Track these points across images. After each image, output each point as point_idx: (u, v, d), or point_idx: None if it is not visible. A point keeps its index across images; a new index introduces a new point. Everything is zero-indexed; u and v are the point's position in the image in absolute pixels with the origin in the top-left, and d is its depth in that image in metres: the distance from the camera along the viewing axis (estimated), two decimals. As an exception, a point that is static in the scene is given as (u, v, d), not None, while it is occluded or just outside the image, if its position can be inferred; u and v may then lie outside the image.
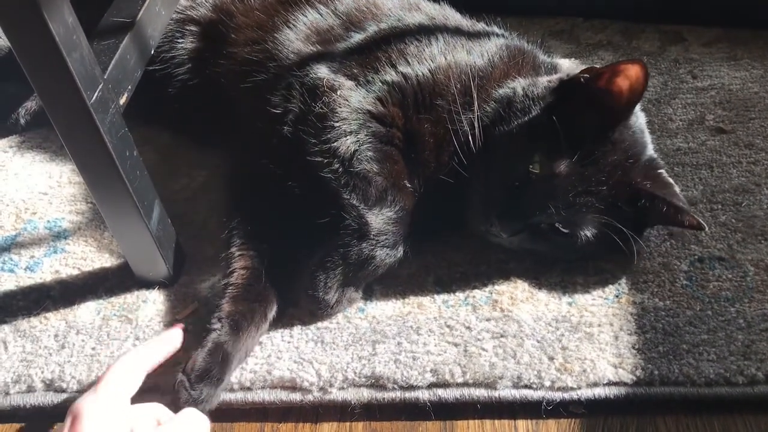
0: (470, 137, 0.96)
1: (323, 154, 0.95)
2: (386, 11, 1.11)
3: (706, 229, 0.92)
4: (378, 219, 0.93)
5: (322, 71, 1.01)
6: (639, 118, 1.00)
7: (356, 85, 1.00)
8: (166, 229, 1.02)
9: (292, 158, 0.99)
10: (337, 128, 0.95)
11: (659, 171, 0.98)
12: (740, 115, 1.22)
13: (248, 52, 1.11)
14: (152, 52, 1.02)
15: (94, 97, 0.84)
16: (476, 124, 0.96)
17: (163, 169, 1.23)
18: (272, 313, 0.96)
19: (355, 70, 1.02)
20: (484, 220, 0.95)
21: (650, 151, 0.99)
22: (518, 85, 1.00)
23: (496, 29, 1.13)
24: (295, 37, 1.09)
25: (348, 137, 0.95)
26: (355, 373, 0.91)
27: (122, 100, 0.92)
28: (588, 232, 0.93)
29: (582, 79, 0.95)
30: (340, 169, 0.95)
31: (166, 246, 1.02)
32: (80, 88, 0.81)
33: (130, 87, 0.95)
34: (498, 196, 0.94)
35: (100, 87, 0.85)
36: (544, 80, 1.01)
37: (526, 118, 0.95)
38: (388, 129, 0.98)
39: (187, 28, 1.19)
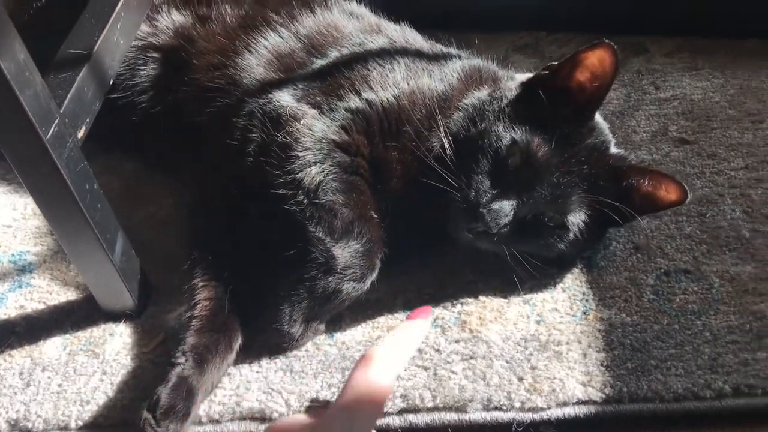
0: (441, 150, 0.95)
1: (287, 185, 0.94)
2: (347, 34, 1.11)
3: (689, 196, 0.91)
4: (345, 252, 0.92)
5: (284, 99, 1.00)
6: (599, 118, 1.01)
7: (320, 114, 0.99)
8: (130, 260, 1.01)
9: (255, 189, 0.98)
10: (301, 158, 0.94)
11: (630, 159, 1.00)
12: (702, 125, 1.23)
13: (210, 78, 1.10)
14: (111, 82, 1.01)
15: (50, 133, 0.83)
16: (445, 140, 0.96)
17: (127, 198, 1.22)
18: (237, 343, 0.95)
19: (318, 98, 1.01)
20: (471, 219, 0.92)
21: (615, 149, 1.00)
22: (483, 93, 1.01)
23: (453, 50, 1.14)
24: (256, 62, 1.08)
25: (312, 167, 0.94)
26: (324, 401, 0.90)
27: (80, 134, 0.91)
28: (577, 218, 0.93)
29: (541, 78, 0.96)
30: (305, 201, 0.93)
31: (131, 278, 1.01)
32: (35, 124, 0.80)
33: (88, 120, 0.94)
34: (481, 192, 0.92)
35: (56, 122, 0.84)
36: (507, 84, 1.02)
37: (497, 116, 0.95)
38: (353, 158, 0.97)
39: (149, 54, 1.18)
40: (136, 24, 1.10)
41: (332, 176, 0.94)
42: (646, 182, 0.92)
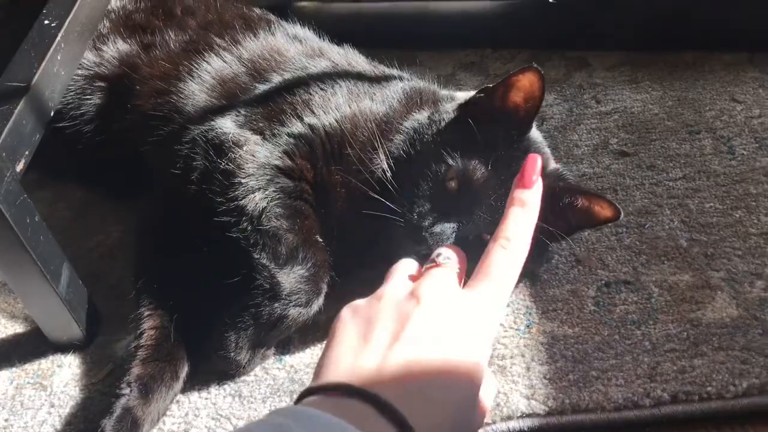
0: (383, 174, 0.97)
1: (231, 212, 0.94)
2: (290, 58, 1.12)
3: (622, 215, 0.94)
4: (290, 278, 0.92)
5: (227, 126, 1.01)
6: (538, 133, 1.04)
7: (262, 139, 1.00)
8: (77, 291, 1.00)
9: (199, 216, 0.98)
10: (245, 185, 0.95)
11: (567, 177, 1.01)
12: (642, 137, 1.26)
13: (153, 105, 1.10)
14: (52, 114, 1.01)
15: (-15, 169, 0.83)
16: (385, 166, 0.97)
17: (76, 226, 1.22)
18: (184, 372, 0.95)
19: (261, 124, 1.01)
20: (415, 242, 0.93)
21: (553, 163, 1.02)
22: (422, 115, 1.02)
23: (395, 72, 1.16)
24: (199, 88, 1.09)
25: (256, 193, 0.94)
26: (273, 425, 0.90)
27: (19, 167, 0.91)
28: None
29: (478, 100, 0.98)
30: (249, 228, 0.93)
31: (78, 308, 1.00)
32: (-30, 160, 0.80)
33: (27, 152, 0.93)
34: (423, 215, 0.93)
35: (-8, 157, 0.84)
36: (447, 106, 1.03)
37: (435, 139, 0.97)
38: (297, 183, 0.98)
39: (95, 84, 1.18)
40: (78, 54, 1.10)
41: (276, 202, 0.95)
42: (580, 201, 0.95)
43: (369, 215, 0.95)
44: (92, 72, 1.19)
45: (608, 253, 1.07)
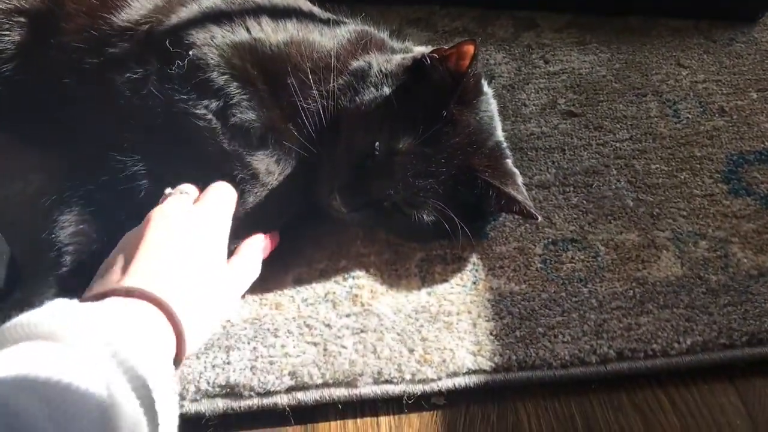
0: (322, 112, 0.93)
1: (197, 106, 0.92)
2: None
3: (539, 219, 0.94)
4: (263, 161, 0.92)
5: (176, 33, 0.96)
6: (490, 104, 1.00)
7: (211, 39, 0.95)
8: (-7, 241, 0.93)
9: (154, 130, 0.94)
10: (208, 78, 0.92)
11: (504, 159, 0.98)
12: (590, 98, 1.25)
13: (80, 40, 1.03)
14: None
15: None
16: (329, 102, 0.93)
17: (-7, 174, 1.13)
18: None
19: (214, 30, 0.96)
20: (327, 194, 0.92)
21: (498, 137, 0.99)
22: (374, 59, 0.99)
23: (345, 18, 1.11)
24: (130, 13, 1.01)
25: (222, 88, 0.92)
26: (208, 383, 0.85)
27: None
28: (427, 217, 0.92)
29: (431, 59, 0.94)
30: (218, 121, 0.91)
31: (-5, 260, 0.93)
32: None
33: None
34: (342, 171, 0.91)
35: None
36: (398, 57, 1.00)
37: (376, 93, 0.94)
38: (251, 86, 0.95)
39: (14, 19, 1.09)
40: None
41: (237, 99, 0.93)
42: (498, 197, 0.93)
43: (307, 161, 0.93)
44: (11, 6, 1.09)
45: (555, 211, 1.06)
